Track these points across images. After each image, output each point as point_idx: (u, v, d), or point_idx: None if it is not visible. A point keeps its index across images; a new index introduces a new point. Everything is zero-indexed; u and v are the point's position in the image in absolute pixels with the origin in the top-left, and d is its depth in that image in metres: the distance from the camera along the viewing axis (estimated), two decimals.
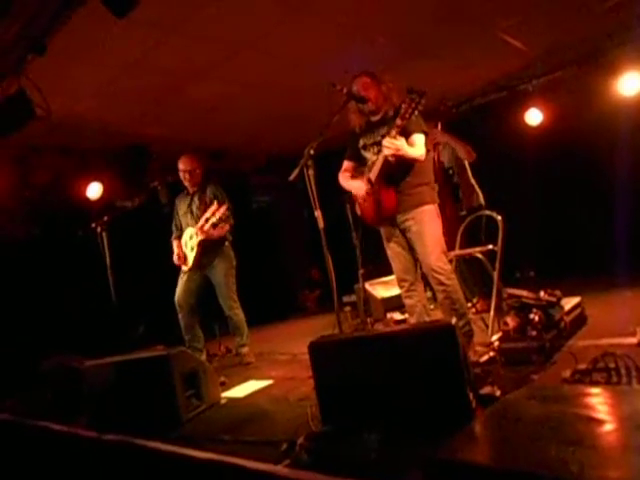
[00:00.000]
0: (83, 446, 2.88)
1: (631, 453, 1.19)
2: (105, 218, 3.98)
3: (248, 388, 3.35)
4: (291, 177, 2.82)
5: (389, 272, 5.53)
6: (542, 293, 2.97)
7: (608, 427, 1.31)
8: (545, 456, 1.18)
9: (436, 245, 3.01)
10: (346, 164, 3.42)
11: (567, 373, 2.19)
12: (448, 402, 1.91)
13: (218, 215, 3.95)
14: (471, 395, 1.97)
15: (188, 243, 4.21)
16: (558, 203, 5.75)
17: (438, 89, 5.44)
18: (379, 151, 3.06)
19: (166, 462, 2.37)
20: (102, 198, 5.63)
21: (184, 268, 4.23)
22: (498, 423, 1.48)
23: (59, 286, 5.47)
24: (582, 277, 4.71)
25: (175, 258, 4.27)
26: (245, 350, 4.26)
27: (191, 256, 4.16)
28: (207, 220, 4.01)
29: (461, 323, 2.92)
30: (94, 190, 5.58)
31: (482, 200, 4.58)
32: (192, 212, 4.26)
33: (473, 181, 4.64)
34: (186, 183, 4.30)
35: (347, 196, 5.19)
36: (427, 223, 3.02)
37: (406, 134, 2.98)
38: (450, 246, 4.13)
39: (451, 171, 4.63)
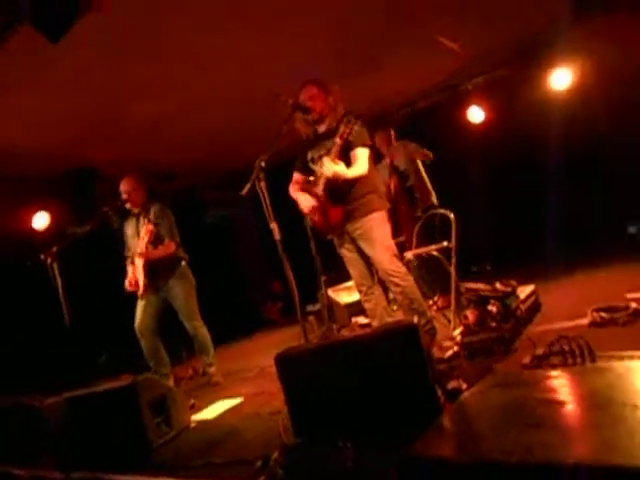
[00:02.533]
0: None
1: (593, 430, 1.25)
2: (54, 248, 3.83)
3: (218, 408, 3.30)
4: (243, 191, 2.81)
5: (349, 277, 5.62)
6: (498, 284, 3.07)
7: (568, 407, 1.37)
8: (508, 443, 1.21)
9: (387, 249, 3.09)
10: (296, 176, 3.44)
11: (527, 359, 2.27)
12: (417, 400, 1.94)
13: (149, 233, 3.90)
14: (439, 391, 2.01)
15: (139, 267, 4.11)
16: (505, 195, 5.97)
17: (384, 95, 5.59)
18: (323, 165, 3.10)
19: None
20: (50, 226, 5.43)
21: (139, 293, 4.13)
22: (463, 415, 1.51)
23: (11, 320, 5.22)
24: (535, 266, 4.89)
25: (126, 284, 4.14)
26: (212, 370, 4.19)
27: (141, 280, 4.05)
28: (142, 240, 3.95)
29: (422, 321, 2.99)
30: (41, 219, 5.38)
31: (435, 199, 4.72)
32: (138, 234, 4.16)
33: (427, 180, 4.77)
34: (128, 205, 4.21)
35: None
36: (376, 230, 3.09)
37: (349, 149, 3.05)
38: (408, 246, 4.24)
39: (406, 173, 4.75)
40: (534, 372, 1.86)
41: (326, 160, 2.98)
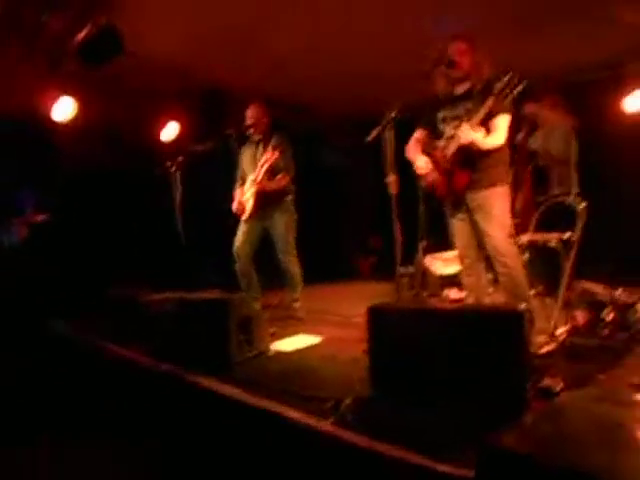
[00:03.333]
0: (139, 372, 3.05)
1: None
2: (180, 158, 4.07)
3: (297, 342, 3.40)
4: (369, 137, 2.75)
5: (450, 247, 5.42)
6: (619, 292, 2.78)
7: None
8: (613, 463, 1.10)
9: (503, 227, 2.92)
10: (419, 132, 3.29)
11: (636, 379, 2.06)
12: (505, 388, 1.85)
13: (270, 161, 3.93)
14: (529, 385, 1.90)
15: (247, 192, 4.24)
16: None
17: (539, 61, 5.07)
18: (459, 126, 2.94)
19: (215, 400, 2.46)
20: (177, 139, 5.76)
21: (243, 218, 4.29)
22: (561, 419, 1.40)
23: (132, 220, 5.72)
24: None
25: (234, 206, 4.32)
26: (297, 305, 4.32)
27: (249, 205, 4.19)
28: (261, 168, 4.00)
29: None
30: (171, 130, 5.71)
31: (574, 188, 4.31)
32: (256, 162, 4.25)
33: (573, 166, 4.37)
34: (251, 130, 4.29)
35: None
36: (496, 204, 2.93)
37: (492, 116, 2.84)
38: (521, 230, 3.96)
39: (538, 153, 4.39)
40: None
41: (465, 126, 2.80)
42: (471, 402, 1.89)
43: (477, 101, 2.90)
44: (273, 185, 4.12)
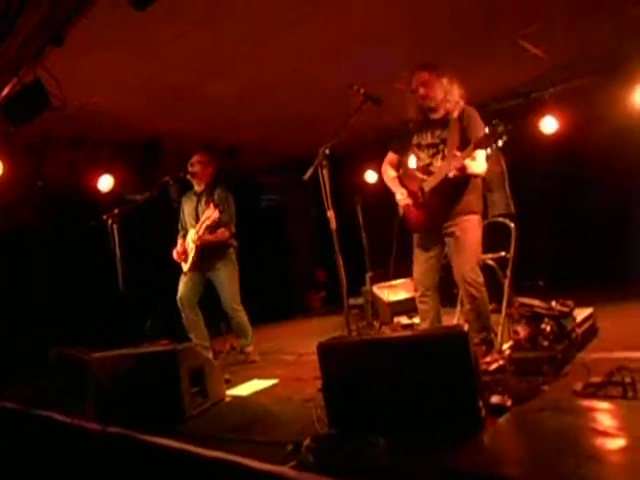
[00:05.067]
0: (87, 437, 2.88)
1: None
2: (116, 211, 3.98)
3: (253, 387, 3.33)
4: (305, 176, 2.81)
5: (396, 276, 5.54)
6: (554, 303, 2.93)
7: (625, 443, 1.29)
8: (563, 471, 1.15)
9: (473, 256, 3.00)
10: (391, 156, 3.35)
11: (579, 385, 2.15)
12: (458, 409, 1.88)
13: (211, 219, 3.93)
14: (481, 403, 1.95)
15: (190, 244, 4.21)
16: (571, 212, 5.70)
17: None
18: (435, 155, 3.05)
19: (170, 458, 2.35)
20: (113, 191, 5.64)
21: (184, 268, 4.23)
22: (512, 434, 1.45)
23: (68, 277, 5.48)
24: (592, 288, 4.64)
25: (174, 254, 4.26)
26: (250, 349, 4.25)
27: (190, 256, 4.16)
28: (203, 222, 4.00)
29: (484, 334, 2.96)
30: (105, 182, 5.60)
31: (512, 209, 4.52)
32: (197, 214, 4.24)
33: (507, 188, 4.60)
34: (194, 179, 4.28)
35: (357, 198, 5.20)
36: (470, 232, 3.00)
37: (466, 142, 2.91)
38: None
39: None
40: (589, 400, 1.76)
41: (458, 159, 2.82)
42: (428, 427, 1.91)
43: (453, 129, 2.98)
44: (213, 238, 4.10)
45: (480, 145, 2.74)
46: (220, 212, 3.97)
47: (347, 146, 3.52)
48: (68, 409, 3.16)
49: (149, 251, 5.55)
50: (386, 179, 3.35)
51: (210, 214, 3.94)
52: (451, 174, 2.85)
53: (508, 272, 3.40)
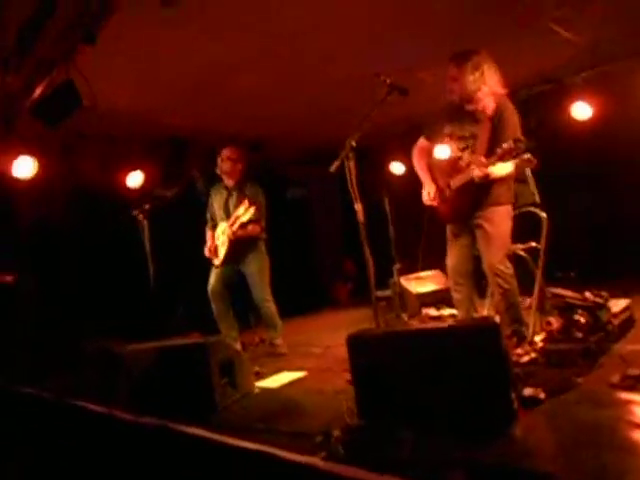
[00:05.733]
0: (120, 428, 2.95)
1: None
2: (146, 206, 4.05)
3: (282, 379, 3.36)
4: (332, 168, 2.80)
5: (424, 267, 5.49)
6: (588, 294, 2.86)
7: None
8: (601, 464, 1.12)
9: (502, 247, 2.98)
10: (422, 142, 3.36)
11: (616, 378, 2.09)
12: (489, 402, 1.85)
13: (248, 216, 3.94)
14: (513, 396, 1.92)
15: (220, 237, 4.25)
16: (604, 201, 5.53)
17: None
18: (465, 149, 3.04)
19: (201, 448, 2.40)
20: (142, 187, 5.74)
21: (215, 262, 4.27)
22: (546, 427, 1.42)
23: (101, 271, 5.62)
24: (628, 279, 4.51)
25: (206, 250, 4.31)
26: (278, 341, 4.29)
27: (221, 251, 4.20)
28: (237, 217, 4.02)
29: (515, 326, 2.93)
30: (136, 178, 5.70)
31: (537, 199, 4.43)
32: (228, 208, 4.28)
33: (531, 179, 4.51)
34: (224, 174, 4.31)
35: (385, 190, 5.16)
36: (498, 224, 2.99)
37: (497, 142, 2.86)
38: None
39: None
40: (627, 393, 1.71)
41: (479, 168, 2.84)
42: (460, 419, 1.89)
43: (484, 126, 2.96)
44: (246, 234, 4.13)
45: (502, 159, 2.73)
46: (256, 209, 3.99)
47: (374, 138, 3.48)
48: (102, 400, 3.24)
49: (178, 245, 5.64)
50: (417, 166, 3.36)
51: (244, 211, 3.95)
52: (476, 179, 2.86)
53: (540, 262, 3.34)
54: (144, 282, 4.03)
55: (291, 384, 3.24)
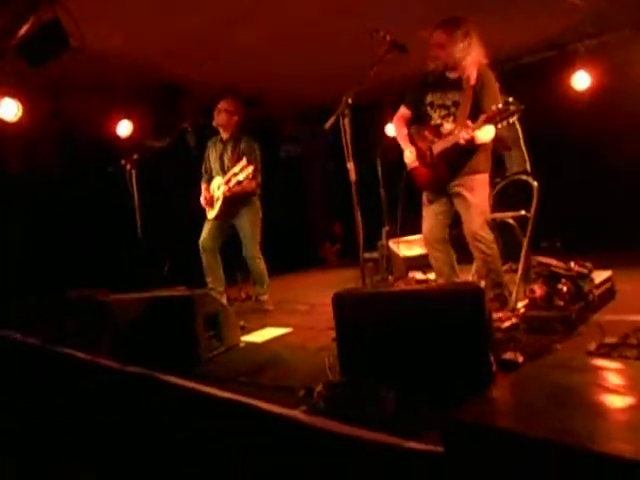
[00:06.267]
0: (106, 376, 2.99)
1: None
2: (135, 156, 3.98)
3: (266, 334, 3.41)
4: (327, 125, 2.76)
5: (413, 232, 5.51)
6: (572, 264, 2.90)
7: (634, 402, 1.28)
8: (570, 425, 1.16)
9: (481, 214, 3.01)
10: (403, 110, 3.33)
11: (592, 346, 2.16)
12: (469, 364, 1.90)
13: (245, 173, 3.89)
14: (492, 359, 1.96)
15: (216, 192, 4.22)
16: (597, 173, 5.54)
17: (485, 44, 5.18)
18: (446, 116, 3.04)
19: (185, 398, 2.44)
20: (131, 136, 5.62)
21: (209, 215, 4.25)
22: (521, 389, 1.46)
23: (87, 220, 5.56)
24: (612, 251, 4.58)
25: (202, 199, 4.29)
26: (265, 297, 4.32)
27: (216, 205, 4.18)
28: (234, 175, 3.97)
29: (497, 290, 2.98)
30: (124, 127, 5.57)
31: (528, 167, 4.42)
32: (222, 162, 4.24)
33: (523, 146, 4.49)
34: (220, 126, 4.23)
35: (378, 151, 5.11)
36: (476, 191, 3.01)
37: (478, 109, 2.87)
38: None
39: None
40: (602, 360, 1.76)
41: (465, 130, 2.80)
42: (440, 380, 1.94)
43: (467, 94, 2.94)
44: (242, 190, 4.09)
45: (490, 120, 2.71)
46: (253, 169, 3.94)
47: (371, 97, 3.41)
48: (86, 348, 3.27)
49: (168, 197, 5.58)
50: (397, 134, 3.34)
51: (241, 169, 3.90)
52: (461, 141, 2.83)
53: (528, 231, 3.36)
54: (131, 233, 4.00)
55: (276, 339, 3.28)
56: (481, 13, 4.47)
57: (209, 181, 4.33)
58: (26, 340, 3.81)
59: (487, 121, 2.72)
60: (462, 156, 2.99)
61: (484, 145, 3.03)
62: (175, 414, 2.47)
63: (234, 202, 4.15)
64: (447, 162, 3.02)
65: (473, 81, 2.96)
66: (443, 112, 3.07)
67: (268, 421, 2.03)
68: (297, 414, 1.94)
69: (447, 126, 3.04)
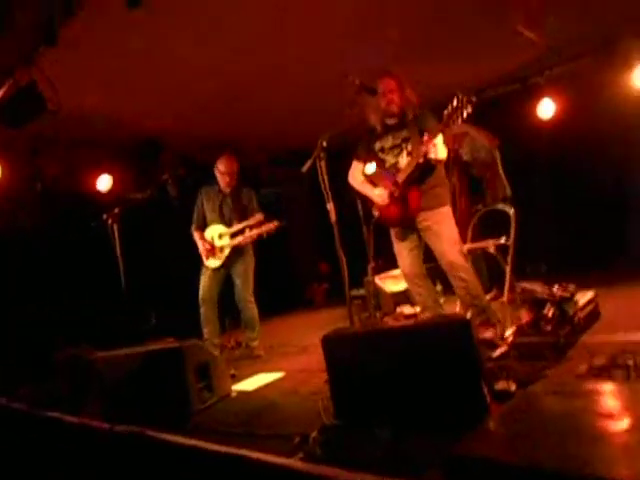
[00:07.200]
0: (95, 437, 2.89)
1: None
2: (116, 210, 3.98)
3: (258, 381, 3.36)
4: (304, 168, 2.83)
5: (396, 266, 5.54)
6: (556, 288, 2.94)
7: (628, 424, 1.29)
8: (567, 453, 1.16)
9: (454, 243, 3.13)
10: (356, 164, 3.47)
11: (582, 369, 2.17)
12: (463, 397, 1.90)
13: (267, 228, 4.11)
14: (485, 390, 1.96)
15: (217, 241, 4.23)
16: (570, 197, 5.69)
17: (450, 82, 5.39)
18: (399, 153, 3.17)
19: (179, 454, 2.37)
20: (112, 190, 5.64)
21: (208, 264, 4.24)
22: (517, 418, 1.46)
23: (70, 277, 5.49)
24: (594, 272, 4.66)
25: (201, 249, 4.27)
26: (255, 343, 4.28)
27: (222, 255, 4.20)
28: (251, 229, 4.11)
29: (483, 316, 3.02)
30: (104, 182, 5.59)
31: (509, 192, 4.54)
32: (222, 212, 4.29)
33: (502, 173, 4.62)
34: (223, 184, 4.30)
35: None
36: (445, 223, 3.13)
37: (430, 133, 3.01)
38: (462, 239, 4.13)
39: (471, 163, 4.63)
40: (593, 383, 1.77)
41: (435, 143, 2.96)
42: (435, 415, 1.93)
43: (412, 128, 3.12)
44: (251, 239, 4.21)
45: (448, 120, 2.83)
46: (272, 224, 4.16)
47: (346, 138, 3.53)
48: (74, 410, 3.18)
49: (151, 249, 5.55)
50: (356, 185, 3.46)
51: (260, 222, 4.15)
52: (421, 160, 2.98)
53: (509, 258, 3.43)
54: (116, 287, 3.96)
55: (268, 386, 3.24)
56: (437, 55, 4.73)
57: (202, 229, 4.34)
58: (10, 405, 3.69)
59: (445, 123, 2.84)
60: (425, 183, 3.13)
61: (441, 177, 3.20)
62: (168, 471, 2.40)
63: (235, 249, 4.20)
64: (412, 189, 3.11)
65: (411, 116, 3.19)
66: (396, 151, 3.22)
67: (265, 473, 1.97)
68: (294, 463, 1.89)
69: (403, 161, 3.16)
